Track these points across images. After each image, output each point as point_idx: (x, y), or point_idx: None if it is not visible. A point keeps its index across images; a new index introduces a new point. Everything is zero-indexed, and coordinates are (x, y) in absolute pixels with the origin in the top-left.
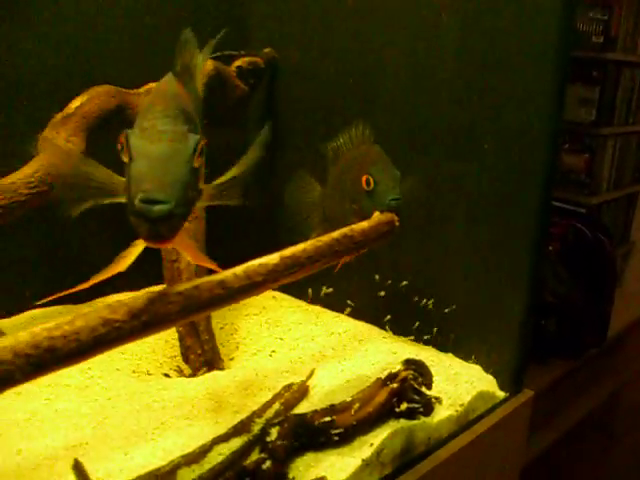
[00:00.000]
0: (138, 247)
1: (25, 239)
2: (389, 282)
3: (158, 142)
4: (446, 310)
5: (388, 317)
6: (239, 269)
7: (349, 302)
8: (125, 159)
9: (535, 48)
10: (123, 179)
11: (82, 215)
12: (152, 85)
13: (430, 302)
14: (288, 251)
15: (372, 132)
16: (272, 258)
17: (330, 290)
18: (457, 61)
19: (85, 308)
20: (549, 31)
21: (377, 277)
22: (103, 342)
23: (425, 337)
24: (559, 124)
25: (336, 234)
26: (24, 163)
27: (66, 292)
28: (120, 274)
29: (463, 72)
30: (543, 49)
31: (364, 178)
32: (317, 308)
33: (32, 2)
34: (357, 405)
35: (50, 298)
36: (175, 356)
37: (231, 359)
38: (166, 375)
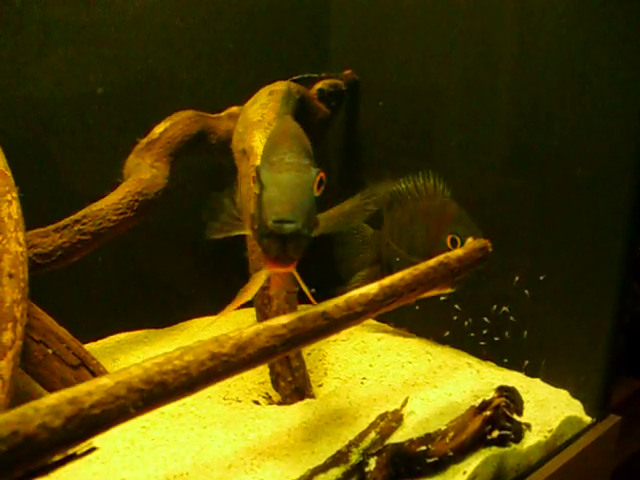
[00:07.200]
0: (262, 276)
1: (109, 265)
2: (475, 307)
3: (287, 172)
4: (535, 336)
5: (474, 342)
6: (340, 300)
7: (435, 326)
8: (256, 190)
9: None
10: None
11: (158, 243)
12: (234, 109)
13: (518, 328)
14: (387, 280)
15: (447, 186)
16: (372, 288)
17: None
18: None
19: (170, 331)
20: None
21: (461, 302)
22: (212, 375)
23: (512, 362)
24: None
25: (432, 262)
26: (112, 189)
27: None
28: (200, 299)
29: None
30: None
31: (449, 237)
32: (403, 332)
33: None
34: (452, 434)
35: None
36: (264, 382)
37: (320, 385)
38: (256, 402)
